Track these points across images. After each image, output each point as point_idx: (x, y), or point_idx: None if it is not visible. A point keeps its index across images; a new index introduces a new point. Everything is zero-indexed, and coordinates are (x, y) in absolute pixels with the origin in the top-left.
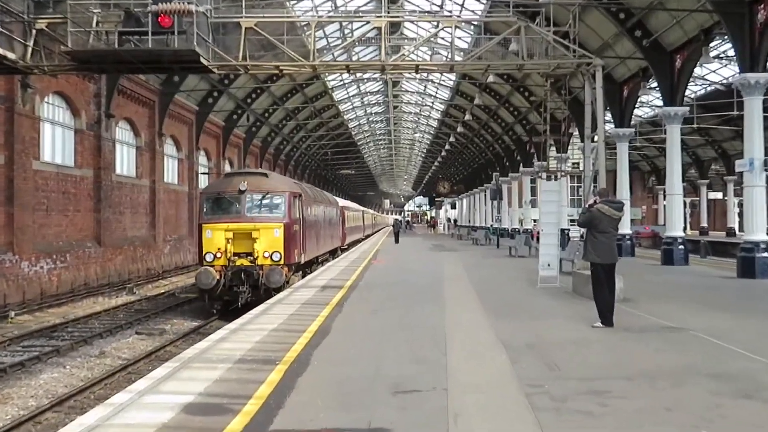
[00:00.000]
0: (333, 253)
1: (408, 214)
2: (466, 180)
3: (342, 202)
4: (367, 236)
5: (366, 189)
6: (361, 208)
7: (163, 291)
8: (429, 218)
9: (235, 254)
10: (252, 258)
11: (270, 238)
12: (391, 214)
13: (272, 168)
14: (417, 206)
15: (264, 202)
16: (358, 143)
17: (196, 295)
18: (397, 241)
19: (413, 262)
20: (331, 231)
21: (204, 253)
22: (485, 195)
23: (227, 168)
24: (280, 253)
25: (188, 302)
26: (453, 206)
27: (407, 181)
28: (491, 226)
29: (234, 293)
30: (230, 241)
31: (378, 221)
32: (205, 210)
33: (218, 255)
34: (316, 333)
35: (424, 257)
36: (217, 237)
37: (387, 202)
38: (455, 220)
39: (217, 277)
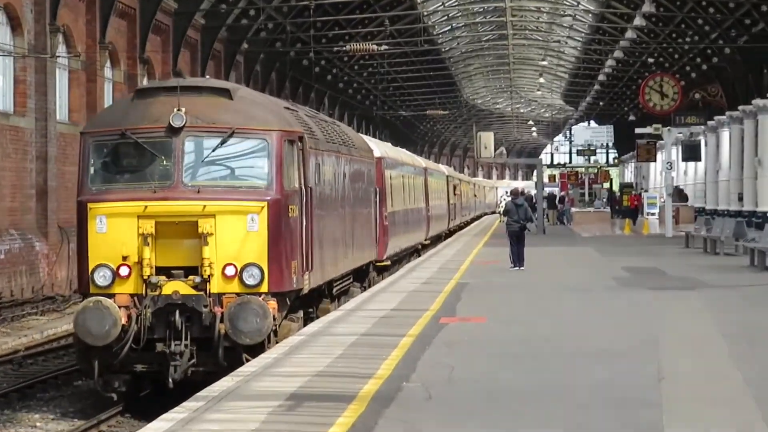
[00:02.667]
0: (360, 276)
1: (551, 179)
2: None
3: (378, 147)
4: (432, 239)
5: (420, 102)
6: (422, 161)
7: None
8: (617, 189)
9: (160, 270)
10: (198, 280)
11: (237, 234)
12: (500, 173)
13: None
14: (582, 151)
15: (224, 153)
16: None
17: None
18: (517, 260)
19: (571, 332)
20: (363, 221)
21: (92, 267)
22: None
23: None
24: (261, 269)
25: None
26: (691, 153)
27: (550, 78)
28: None
29: (157, 357)
30: (149, 240)
31: (466, 199)
32: (92, 171)
33: (123, 271)
34: None
35: (603, 315)
36: (119, 231)
37: (488, 140)
38: (679, 190)
39: (123, 320)
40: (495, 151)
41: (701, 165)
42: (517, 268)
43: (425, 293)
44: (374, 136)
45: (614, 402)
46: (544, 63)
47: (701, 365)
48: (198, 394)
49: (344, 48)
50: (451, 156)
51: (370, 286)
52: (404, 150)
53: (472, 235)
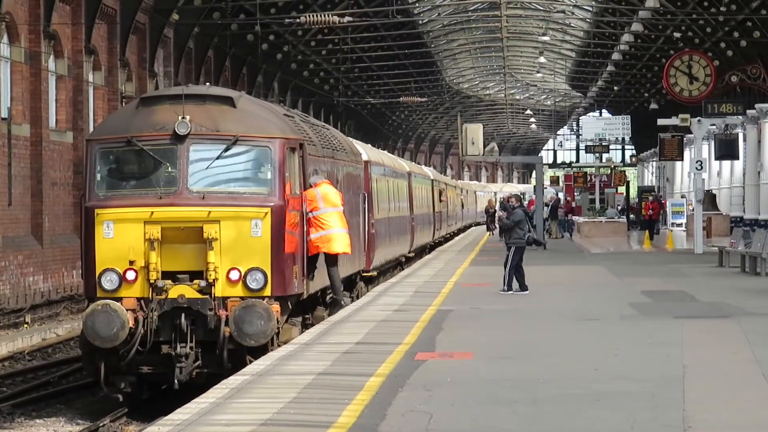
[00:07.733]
0: (348, 286)
1: (554, 181)
2: None
3: (363, 149)
4: (416, 251)
5: (392, 87)
6: (405, 164)
7: None
8: (634, 195)
9: (166, 274)
10: (204, 284)
11: (242, 239)
12: (490, 174)
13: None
14: (592, 147)
15: (228, 160)
16: None
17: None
18: (521, 282)
19: None
20: (353, 227)
21: (99, 271)
22: None
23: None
24: (265, 273)
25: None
26: (726, 149)
27: (553, 57)
28: None
29: (163, 359)
30: (155, 245)
31: (452, 206)
32: (98, 178)
33: (129, 276)
34: None
35: None
36: (126, 236)
37: (475, 134)
38: (712, 195)
39: (130, 322)
40: (484, 147)
41: (739, 164)
42: (512, 292)
43: (398, 323)
44: (336, 128)
45: None
46: (546, 38)
47: (738, 412)
48: None
49: (298, 20)
50: (431, 153)
51: (358, 297)
52: (386, 152)
53: (456, 251)
